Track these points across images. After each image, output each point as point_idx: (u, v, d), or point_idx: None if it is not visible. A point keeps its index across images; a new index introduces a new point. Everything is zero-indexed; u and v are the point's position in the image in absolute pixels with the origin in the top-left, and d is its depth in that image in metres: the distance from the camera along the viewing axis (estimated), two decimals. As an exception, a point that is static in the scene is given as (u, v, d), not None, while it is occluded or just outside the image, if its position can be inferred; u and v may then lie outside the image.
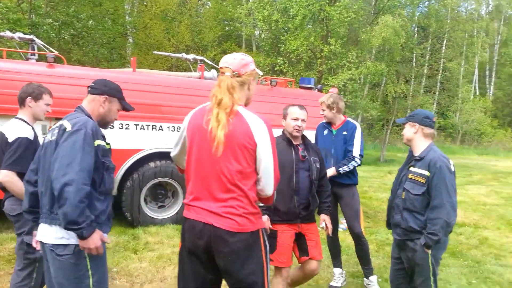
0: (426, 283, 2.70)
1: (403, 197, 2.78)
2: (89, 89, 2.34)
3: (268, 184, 2.15)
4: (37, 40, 6.05)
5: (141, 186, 5.92)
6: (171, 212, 6.24)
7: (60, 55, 5.86)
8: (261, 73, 2.42)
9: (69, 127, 2.08)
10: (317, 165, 3.27)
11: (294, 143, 3.31)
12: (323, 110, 4.17)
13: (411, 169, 2.82)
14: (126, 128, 5.74)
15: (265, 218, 2.85)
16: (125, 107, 2.43)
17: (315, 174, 3.20)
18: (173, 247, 5.02)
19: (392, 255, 3.15)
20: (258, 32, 22.93)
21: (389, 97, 19.29)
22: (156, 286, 3.96)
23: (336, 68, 16.96)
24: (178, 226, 5.93)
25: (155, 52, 8.64)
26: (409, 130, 2.90)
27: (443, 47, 29.14)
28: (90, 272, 2.04)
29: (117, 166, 5.64)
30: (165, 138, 5.91)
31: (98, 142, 2.12)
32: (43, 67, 5.42)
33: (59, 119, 5.14)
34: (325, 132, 4.26)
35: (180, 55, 7.34)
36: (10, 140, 2.85)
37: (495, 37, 32.31)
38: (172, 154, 2.35)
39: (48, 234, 2.07)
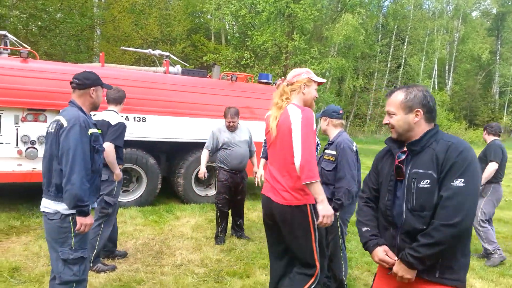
0: (335, 239, 3.46)
1: (321, 173, 3.48)
2: (74, 85, 2.77)
3: (295, 157, 2.65)
4: (10, 36, 6.42)
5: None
6: (135, 196, 6.68)
7: (33, 51, 6.25)
8: (322, 80, 2.99)
9: (65, 123, 2.54)
10: None
11: None
12: None
13: (325, 151, 3.53)
14: (95, 119, 6.22)
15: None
16: (106, 87, 2.95)
17: None
18: (135, 226, 5.54)
19: None
20: (228, 26, 23.36)
21: (347, 91, 20.18)
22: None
23: (300, 63, 17.69)
24: (142, 208, 6.44)
25: (123, 47, 9.00)
26: (323, 123, 3.62)
27: (405, 44, 30.44)
28: (72, 234, 2.61)
29: (87, 154, 6.13)
30: (131, 128, 6.38)
31: (91, 131, 2.65)
32: (17, 62, 5.80)
33: (32, 109, 5.65)
34: None
35: (146, 51, 7.77)
36: (112, 123, 3.98)
37: (454, 34, 33.89)
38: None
39: (45, 204, 2.66)
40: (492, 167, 4.75)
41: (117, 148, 3.99)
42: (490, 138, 5.05)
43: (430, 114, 1.96)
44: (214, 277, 3.97)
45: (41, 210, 2.67)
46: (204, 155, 5.09)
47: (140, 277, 3.86)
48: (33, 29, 14.29)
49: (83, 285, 2.70)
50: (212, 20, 24.48)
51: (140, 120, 6.50)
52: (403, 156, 1.98)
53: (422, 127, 1.96)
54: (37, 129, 5.86)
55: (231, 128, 5.06)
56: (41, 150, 5.86)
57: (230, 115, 5.01)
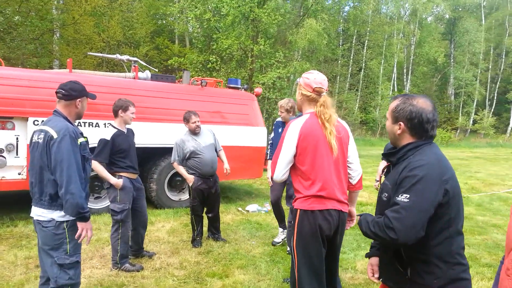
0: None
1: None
2: (61, 95, 2.79)
3: (355, 166, 2.90)
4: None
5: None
6: (107, 202, 6.58)
7: (-2, 57, 6.12)
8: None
9: (55, 135, 2.60)
10: None
11: None
12: (282, 112, 4.97)
13: None
14: (65, 125, 6.14)
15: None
16: (91, 98, 2.96)
17: None
18: (109, 232, 5.47)
19: (288, 220, 4.45)
20: (191, 29, 23.30)
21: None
22: (97, 261, 4.50)
23: (266, 67, 17.97)
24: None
25: (90, 53, 8.87)
26: None
27: (365, 47, 31.48)
28: (67, 240, 2.69)
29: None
30: (100, 134, 6.33)
31: (79, 140, 2.72)
32: (-19, 68, 5.68)
33: (0, 117, 5.52)
34: (280, 130, 5.05)
35: (114, 56, 7.73)
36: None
37: (411, 38, 35.36)
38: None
39: (37, 213, 2.70)
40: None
41: (117, 159, 4.20)
42: None
43: (414, 129, 1.92)
44: (194, 279, 4.08)
45: (34, 218, 2.74)
46: (178, 166, 5.14)
47: (121, 281, 3.92)
48: (-10, 33, 13.78)
49: (78, 287, 2.81)
50: (176, 23, 24.33)
51: (109, 126, 6.47)
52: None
53: (405, 140, 1.95)
54: (5, 137, 5.74)
55: (197, 129, 5.08)
56: (9, 158, 5.75)
57: (193, 116, 5.05)
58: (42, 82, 6.04)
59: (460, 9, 39.42)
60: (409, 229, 1.73)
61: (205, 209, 5.29)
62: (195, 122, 5.05)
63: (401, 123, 1.93)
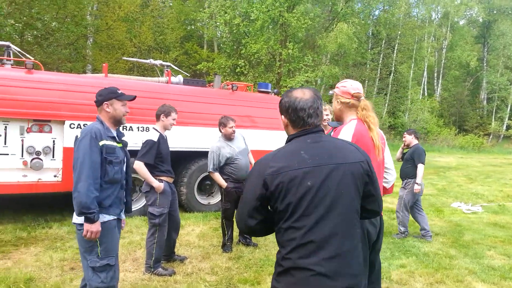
0: None
1: None
2: (94, 102, 2.93)
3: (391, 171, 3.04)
4: (13, 46, 6.47)
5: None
6: (139, 205, 6.74)
7: (38, 62, 6.31)
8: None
9: (79, 135, 2.73)
10: None
11: None
12: (327, 114, 4.77)
13: None
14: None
15: None
16: (125, 99, 2.91)
17: None
18: (141, 235, 5.56)
19: None
20: (219, 34, 23.52)
21: (342, 99, 20.39)
22: (130, 264, 4.54)
23: (294, 71, 17.91)
24: (146, 217, 6.45)
25: (125, 58, 9.07)
26: None
27: (395, 51, 30.94)
28: (98, 243, 2.72)
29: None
30: (135, 138, 6.46)
31: (103, 142, 2.74)
32: (22, 73, 5.86)
33: (37, 120, 5.70)
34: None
35: (147, 61, 7.86)
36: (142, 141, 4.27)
37: (443, 42, 34.54)
38: None
39: (74, 216, 2.76)
40: (422, 168, 5.85)
41: (158, 162, 4.25)
42: (415, 142, 6.12)
43: (292, 121, 1.87)
44: (226, 285, 4.06)
45: (72, 221, 2.80)
46: (216, 175, 5.08)
47: (154, 285, 3.93)
48: (28, 38, 14.28)
49: None
50: (205, 28, 24.60)
51: (143, 130, 6.57)
52: None
53: (290, 133, 1.92)
54: (42, 140, 5.90)
55: (233, 135, 5.10)
56: (46, 160, 5.90)
57: (231, 121, 5.08)
58: (78, 86, 6.19)
59: (495, 12, 38.20)
60: (238, 217, 1.88)
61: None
62: (232, 127, 5.08)
63: (282, 116, 1.91)
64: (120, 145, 2.91)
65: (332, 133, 2.97)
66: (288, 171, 1.73)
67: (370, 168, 1.85)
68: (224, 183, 5.05)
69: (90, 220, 2.62)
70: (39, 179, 5.89)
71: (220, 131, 5.17)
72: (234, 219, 5.22)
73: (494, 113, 35.52)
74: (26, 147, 5.80)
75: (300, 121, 1.85)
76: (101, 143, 2.72)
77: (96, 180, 2.66)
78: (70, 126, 6.00)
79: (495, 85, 35.00)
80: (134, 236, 5.58)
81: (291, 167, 1.74)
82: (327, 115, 4.75)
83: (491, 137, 34.23)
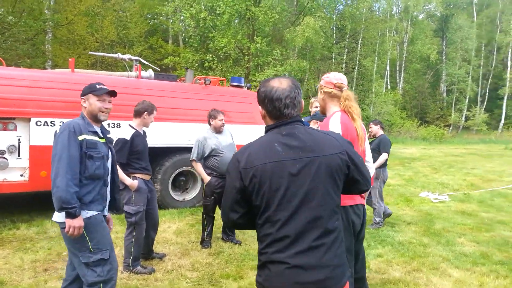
0: None
1: None
2: None
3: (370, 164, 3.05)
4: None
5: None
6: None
7: (-1, 57, 5.99)
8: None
9: (58, 130, 2.65)
10: None
11: None
12: (316, 107, 4.78)
13: None
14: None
15: None
16: (100, 93, 2.77)
17: None
18: (116, 233, 5.39)
19: None
20: (185, 28, 23.15)
21: (309, 92, 20.69)
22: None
23: (263, 65, 17.91)
24: (119, 216, 6.23)
25: (91, 52, 8.73)
26: (314, 126, 3.82)
27: (359, 46, 31.55)
28: (87, 238, 2.63)
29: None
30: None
31: (82, 137, 2.64)
32: (-18, 69, 5.55)
33: (0, 118, 5.41)
34: None
35: (116, 55, 7.62)
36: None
37: (404, 35, 35.51)
38: None
39: (55, 214, 2.67)
40: (384, 157, 6.17)
41: (133, 160, 4.13)
42: (380, 132, 6.46)
43: (269, 111, 1.81)
44: (208, 281, 4.01)
45: (52, 219, 2.71)
46: (198, 165, 5.04)
47: (135, 284, 3.84)
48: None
49: (111, 284, 2.73)
50: (170, 22, 24.18)
51: (114, 126, 6.37)
52: None
53: (266, 122, 1.87)
54: (7, 138, 5.61)
55: (222, 128, 5.09)
56: (11, 160, 5.63)
57: (221, 114, 5.08)
58: (44, 82, 5.93)
59: (451, 6, 39.65)
60: (222, 211, 1.88)
61: (217, 210, 5.20)
62: (222, 120, 5.08)
63: (260, 107, 1.86)
64: (103, 140, 2.80)
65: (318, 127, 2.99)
66: (260, 164, 1.69)
67: (350, 157, 1.79)
68: (205, 176, 5.00)
69: (71, 215, 2.51)
70: (4, 179, 5.61)
71: (210, 123, 5.14)
72: (215, 215, 5.19)
73: (453, 105, 36.97)
74: (-11, 146, 5.51)
75: (277, 111, 1.78)
76: (80, 137, 2.63)
77: (75, 175, 2.56)
78: (36, 124, 5.74)
79: (454, 78, 36.42)
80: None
81: (263, 160, 1.70)
82: (316, 107, 4.78)
83: (451, 128, 35.66)
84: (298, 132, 1.78)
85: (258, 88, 1.87)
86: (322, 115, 3.71)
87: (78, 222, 2.54)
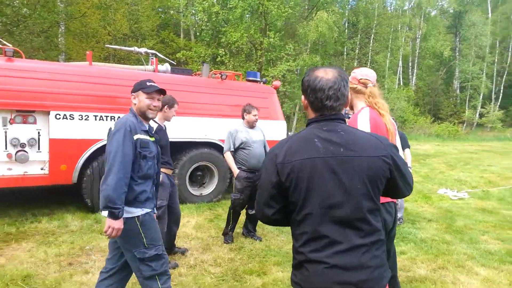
0: None
1: None
2: None
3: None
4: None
5: (101, 173, 6.17)
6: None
7: (18, 50, 5.98)
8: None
9: (113, 128, 2.63)
10: None
11: None
12: None
13: None
14: (85, 119, 5.99)
15: None
16: (150, 91, 2.73)
17: None
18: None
19: None
20: (197, 22, 23.08)
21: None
22: (130, 260, 4.43)
23: (275, 60, 17.79)
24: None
25: (108, 45, 8.74)
26: None
27: (371, 41, 31.24)
28: (142, 235, 2.67)
29: (77, 156, 5.94)
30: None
31: (137, 136, 2.63)
32: (1, 61, 5.53)
33: (20, 111, 5.42)
34: None
35: (132, 49, 7.58)
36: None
37: (417, 31, 35.06)
38: None
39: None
40: (409, 153, 6.24)
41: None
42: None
43: (312, 102, 1.74)
44: (232, 276, 3.98)
45: (102, 214, 2.71)
46: (229, 157, 5.03)
47: (159, 280, 3.81)
48: (-2, 25, 13.61)
49: (166, 275, 2.80)
50: (182, 17, 24.12)
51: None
52: None
53: (310, 116, 1.80)
54: (27, 131, 5.62)
55: (255, 123, 5.10)
56: (31, 153, 5.63)
57: (255, 109, 5.09)
58: (63, 75, 5.92)
59: (465, 3, 39.05)
60: (256, 206, 1.81)
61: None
62: (256, 115, 5.08)
63: (303, 96, 1.79)
64: (152, 139, 2.81)
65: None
66: (299, 160, 1.63)
67: (395, 162, 1.71)
68: (235, 168, 4.97)
69: (114, 215, 2.49)
70: (25, 172, 5.63)
71: (243, 118, 5.16)
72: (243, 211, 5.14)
73: (467, 102, 36.48)
74: (10, 139, 5.51)
75: (318, 103, 1.70)
76: (135, 137, 2.63)
77: (127, 174, 2.55)
78: (55, 117, 5.74)
79: (467, 74, 35.90)
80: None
81: (302, 156, 1.63)
82: None
83: (465, 124, 35.21)
84: (341, 129, 1.70)
85: (303, 76, 1.80)
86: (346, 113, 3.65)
87: (119, 224, 2.54)
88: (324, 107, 1.71)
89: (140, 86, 2.76)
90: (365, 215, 1.64)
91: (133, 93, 2.78)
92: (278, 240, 5.18)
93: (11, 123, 5.54)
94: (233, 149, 5.01)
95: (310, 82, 1.72)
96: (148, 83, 2.77)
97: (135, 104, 2.77)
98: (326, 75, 1.72)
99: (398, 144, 3.07)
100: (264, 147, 5.17)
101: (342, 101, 1.74)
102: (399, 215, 6.04)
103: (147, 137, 2.73)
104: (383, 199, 2.66)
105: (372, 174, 1.65)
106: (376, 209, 1.69)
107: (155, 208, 2.88)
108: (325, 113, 1.72)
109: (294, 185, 1.63)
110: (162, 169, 4.17)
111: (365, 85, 2.80)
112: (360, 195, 1.62)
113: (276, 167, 1.66)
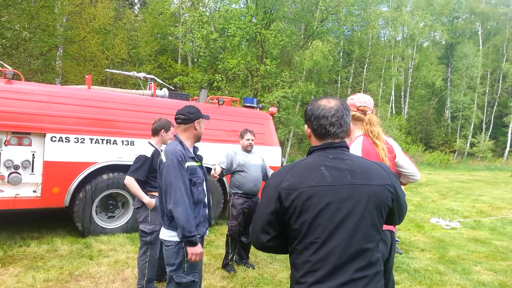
0: None
1: None
2: (180, 120, 2.90)
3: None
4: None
5: (94, 197, 6.12)
6: (121, 222, 6.46)
7: (18, 72, 6.04)
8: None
9: (164, 159, 2.77)
10: None
11: None
12: None
13: None
14: (81, 142, 6.00)
15: None
16: (206, 118, 3.04)
17: None
18: (127, 253, 5.36)
19: None
20: (196, 48, 23.45)
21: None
22: (119, 285, 4.33)
23: (271, 87, 18.04)
24: (129, 234, 6.26)
25: (108, 69, 8.85)
26: None
27: (365, 70, 31.81)
28: (185, 259, 2.75)
29: (71, 178, 5.91)
30: (119, 152, 6.27)
31: (187, 164, 2.77)
32: (1, 83, 5.58)
33: (16, 133, 5.42)
34: None
35: (131, 74, 7.68)
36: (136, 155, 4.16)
37: (409, 62, 35.81)
38: None
39: (162, 232, 2.88)
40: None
41: (151, 178, 4.09)
42: None
43: (315, 130, 1.77)
44: (223, 305, 3.93)
45: (160, 237, 2.91)
46: (217, 167, 4.91)
47: (150, 307, 3.75)
48: (-3, 47, 13.73)
49: None
50: (180, 43, 24.49)
51: (128, 144, 6.38)
52: None
53: (312, 144, 1.82)
54: (21, 153, 5.62)
55: (249, 147, 5.13)
56: (24, 175, 5.61)
57: (249, 134, 5.15)
58: (61, 97, 5.96)
59: (457, 35, 40.07)
60: (251, 232, 1.78)
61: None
62: (249, 139, 5.15)
63: (306, 125, 1.83)
64: (198, 163, 2.92)
65: None
66: (305, 187, 1.61)
67: (396, 192, 1.73)
68: (217, 168, 4.83)
69: (192, 243, 2.66)
70: (17, 194, 5.59)
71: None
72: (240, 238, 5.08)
73: (458, 131, 36.95)
74: (3, 160, 5.50)
75: (322, 129, 1.73)
76: (186, 165, 2.75)
77: (190, 202, 2.71)
78: (51, 139, 5.74)
79: (459, 104, 36.49)
80: (119, 255, 5.34)
81: (309, 183, 1.61)
82: None
83: (456, 154, 35.54)
84: (346, 157, 1.72)
85: (306, 107, 1.85)
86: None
87: (199, 249, 2.73)
88: (328, 134, 1.74)
89: (201, 114, 2.96)
90: (370, 245, 1.63)
91: (197, 120, 2.91)
92: (271, 268, 5.14)
93: (5, 145, 5.54)
94: (225, 167, 4.97)
95: (314, 111, 1.77)
96: (202, 112, 2.98)
97: (196, 130, 2.90)
98: (329, 103, 1.77)
99: (408, 163, 2.97)
100: (266, 171, 5.20)
101: (345, 128, 1.77)
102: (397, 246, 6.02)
103: (194, 163, 2.85)
104: None
105: (378, 203, 1.65)
106: (380, 239, 1.69)
107: (207, 231, 3.01)
108: (329, 141, 1.74)
109: (298, 212, 1.61)
110: (155, 193, 4.16)
111: (364, 112, 2.82)
112: (367, 224, 1.62)
113: (279, 193, 1.64)
